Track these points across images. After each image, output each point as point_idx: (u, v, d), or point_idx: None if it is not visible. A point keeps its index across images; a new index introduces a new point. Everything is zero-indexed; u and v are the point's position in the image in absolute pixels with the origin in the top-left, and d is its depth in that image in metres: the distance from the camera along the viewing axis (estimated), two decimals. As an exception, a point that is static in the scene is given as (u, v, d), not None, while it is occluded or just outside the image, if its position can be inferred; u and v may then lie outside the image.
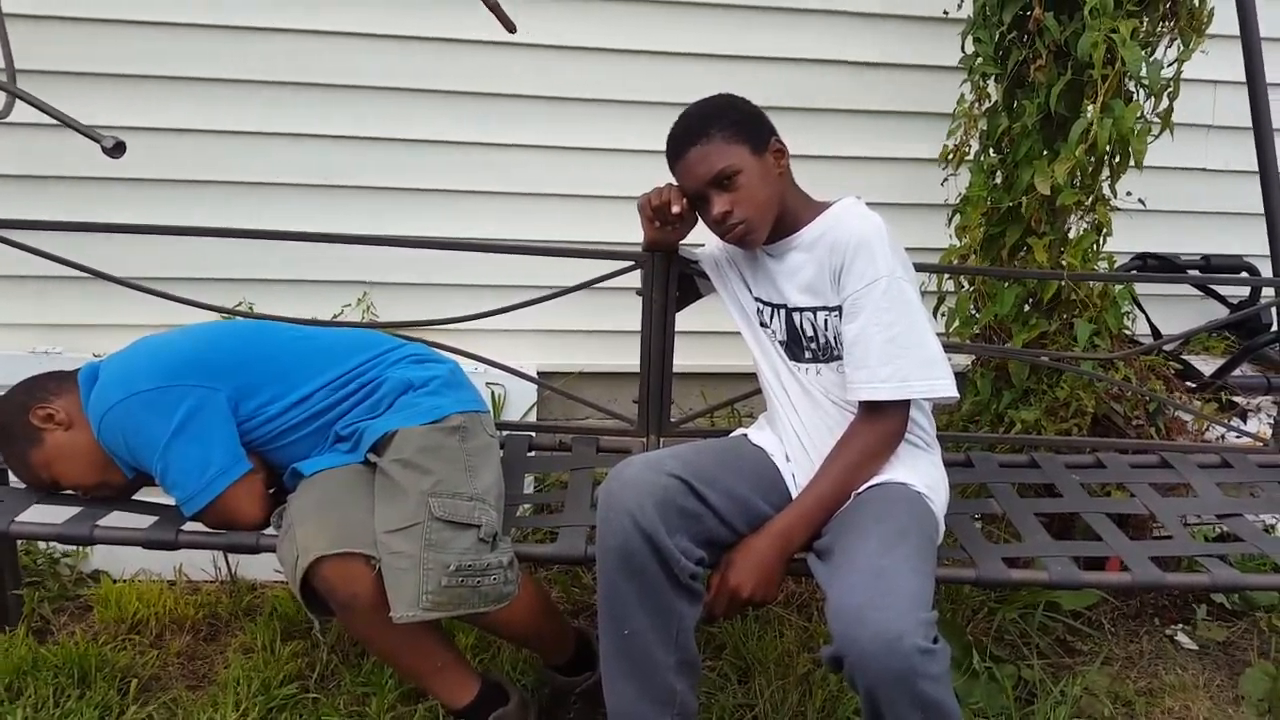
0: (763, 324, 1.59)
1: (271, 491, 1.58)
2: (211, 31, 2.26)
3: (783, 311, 1.54)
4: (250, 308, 2.20)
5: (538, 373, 2.32)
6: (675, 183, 1.53)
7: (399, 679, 1.74)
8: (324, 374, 1.58)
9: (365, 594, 1.39)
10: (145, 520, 1.55)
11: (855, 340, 1.43)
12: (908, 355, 1.41)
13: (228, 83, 2.30)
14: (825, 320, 1.48)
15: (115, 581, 2.04)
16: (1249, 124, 2.04)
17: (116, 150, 1.54)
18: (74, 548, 2.09)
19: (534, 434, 1.96)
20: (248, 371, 1.53)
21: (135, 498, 1.62)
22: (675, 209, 1.52)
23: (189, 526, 1.52)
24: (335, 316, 2.34)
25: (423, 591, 1.36)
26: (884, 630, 1.17)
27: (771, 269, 1.55)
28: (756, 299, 1.59)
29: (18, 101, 1.62)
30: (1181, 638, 2.08)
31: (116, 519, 1.54)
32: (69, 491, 1.59)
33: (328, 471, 1.52)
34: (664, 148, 1.51)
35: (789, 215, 1.50)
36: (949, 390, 1.44)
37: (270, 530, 1.51)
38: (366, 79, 2.34)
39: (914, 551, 1.31)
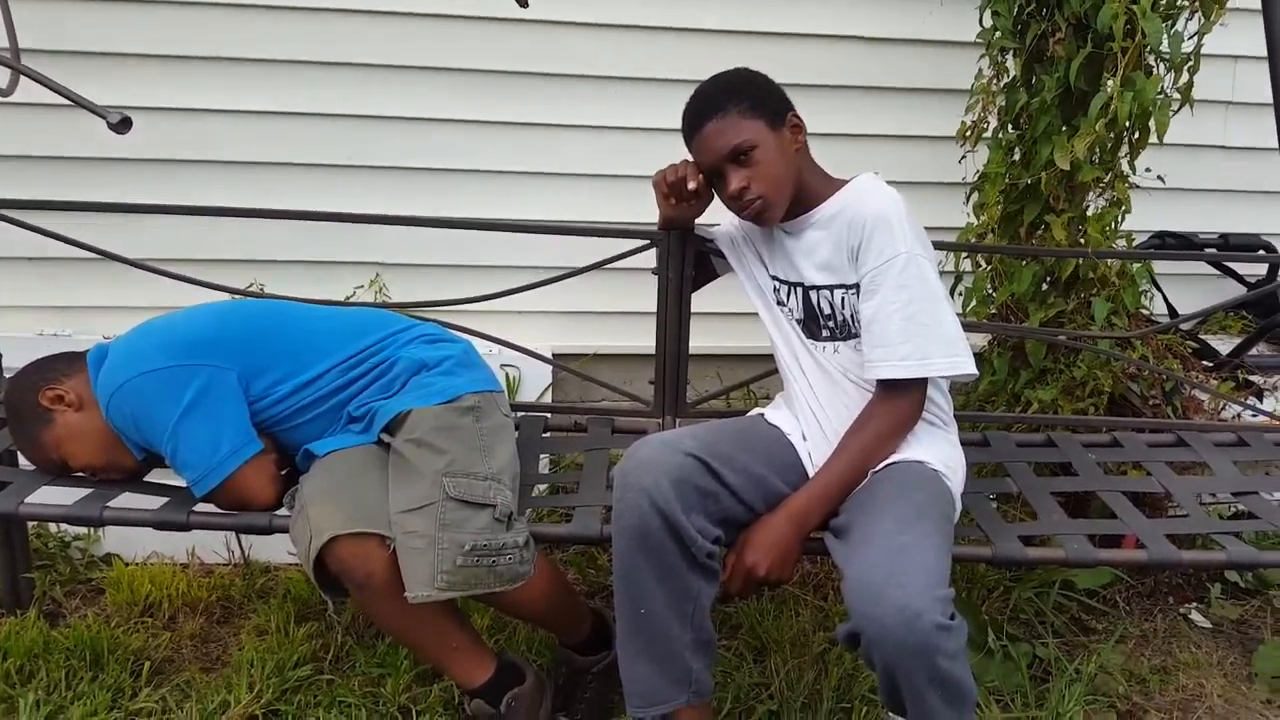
0: (779, 302, 1.57)
1: (284, 473, 1.57)
2: (222, 10, 2.24)
3: (800, 289, 1.52)
4: (261, 289, 2.18)
5: (553, 354, 2.30)
6: (691, 159, 1.51)
7: (414, 659, 1.75)
8: (336, 354, 1.56)
9: (380, 574, 1.38)
10: (156, 501, 1.54)
11: (873, 318, 1.41)
12: (927, 333, 1.39)
13: (238, 62, 2.28)
14: (843, 298, 1.47)
15: (127, 564, 2.04)
16: (1269, 100, 2.00)
17: (122, 126, 1.52)
18: (85, 531, 2.09)
19: (549, 415, 1.94)
20: (258, 350, 1.52)
21: (146, 479, 1.61)
22: (691, 185, 1.50)
23: (200, 508, 1.50)
24: (348, 298, 2.33)
25: (438, 571, 1.36)
26: (902, 607, 1.16)
27: (788, 247, 1.53)
28: (773, 277, 1.57)
29: (23, 80, 1.60)
30: (1195, 616, 2.08)
31: (127, 500, 1.52)
32: (79, 474, 1.58)
33: (341, 452, 1.51)
34: (679, 125, 1.49)
35: (806, 192, 1.48)
36: (968, 368, 1.42)
37: (283, 511, 1.50)
38: (379, 58, 2.31)
39: (931, 529, 1.31)
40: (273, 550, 2.05)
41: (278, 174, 2.35)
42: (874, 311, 1.41)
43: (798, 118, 1.48)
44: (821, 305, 1.50)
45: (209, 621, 1.95)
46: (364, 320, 1.65)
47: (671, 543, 1.33)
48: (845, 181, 1.50)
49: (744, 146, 1.41)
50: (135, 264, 1.84)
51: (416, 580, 1.36)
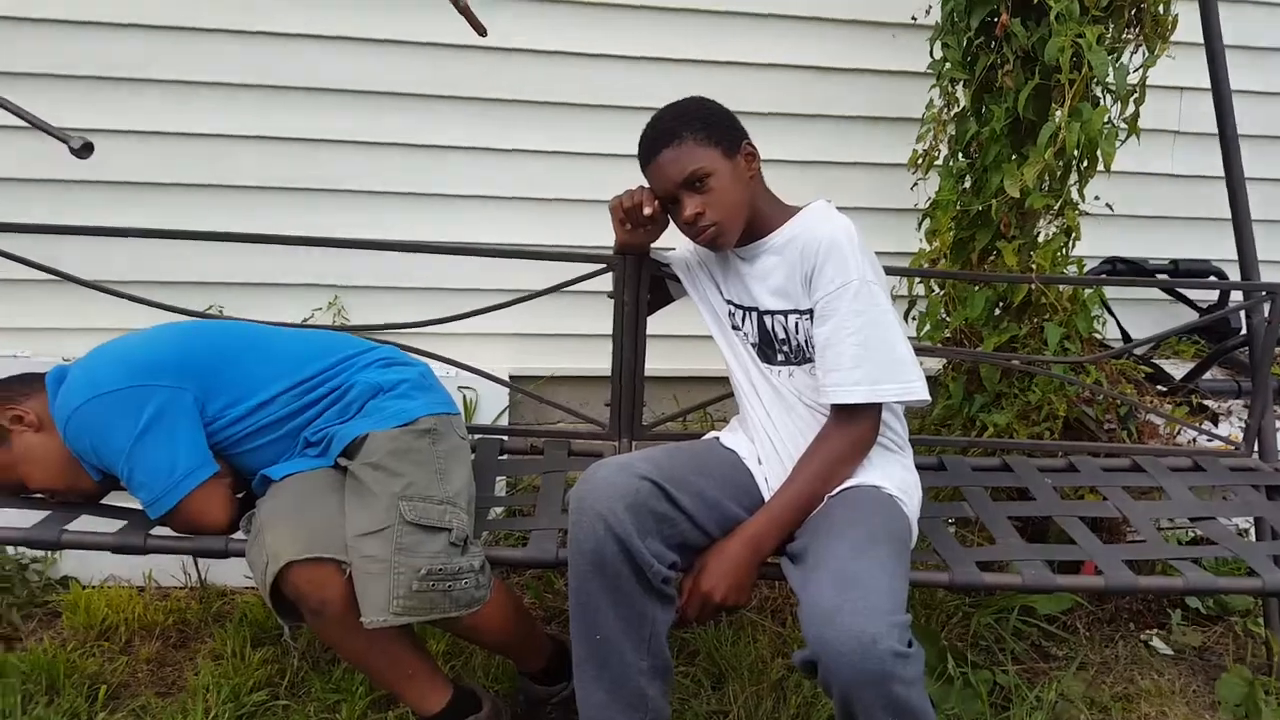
0: (735, 327, 1.59)
1: (240, 497, 1.57)
2: (184, 34, 2.26)
3: (754, 314, 1.54)
4: (220, 311, 2.18)
5: (510, 376, 2.31)
6: (646, 185, 1.53)
7: (370, 685, 1.73)
8: (291, 377, 1.56)
9: (335, 599, 1.37)
10: (114, 525, 1.53)
11: (827, 343, 1.43)
12: (879, 358, 1.41)
13: (200, 85, 2.29)
14: (796, 323, 1.49)
15: (85, 588, 2.02)
16: (1215, 130, 2.06)
17: (84, 151, 1.52)
18: (43, 554, 2.07)
19: (506, 437, 1.95)
20: (214, 372, 1.52)
21: (104, 502, 1.60)
22: (646, 210, 1.52)
23: (158, 531, 1.50)
24: (306, 320, 2.33)
25: (393, 596, 1.35)
26: (858, 633, 1.16)
27: (743, 272, 1.55)
28: (729, 301, 1.59)
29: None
30: (1157, 643, 2.08)
31: (85, 523, 1.52)
32: (37, 495, 1.57)
33: (297, 475, 1.51)
34: (634, 151, 1.51)
35: (760, 218, 1.51)
36: (921, 393, 1.44)
37: (240, 535, 1.49)
38: (339, 83, 2.34)
39: (887, 554, 1.31)
40: (229, 574, 2.04)
41: (239, 196, 2.35)
42: (827, 337, 1.43)
43: (752, 146, 1.51)
44: (776, 330, 1.52)
45: (165, 645, 1.93)
46: (320, 343, 1.64)
47: (627, 567, 1.33)
48: (799, 209, 1.53)
49: (699, 174, 1.44)
50: (94, 285, 1.84)
51: (372, 605, 1.35)
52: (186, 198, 2.34)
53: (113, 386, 1.44)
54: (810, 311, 1.46)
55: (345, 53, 2.32)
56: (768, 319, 1.52)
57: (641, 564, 1.33)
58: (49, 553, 2.06)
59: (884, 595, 1.22)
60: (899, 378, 1.43)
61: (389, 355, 1.68)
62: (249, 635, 1.89)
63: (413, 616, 1.37)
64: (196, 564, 2.08)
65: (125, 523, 1.54)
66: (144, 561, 2.02)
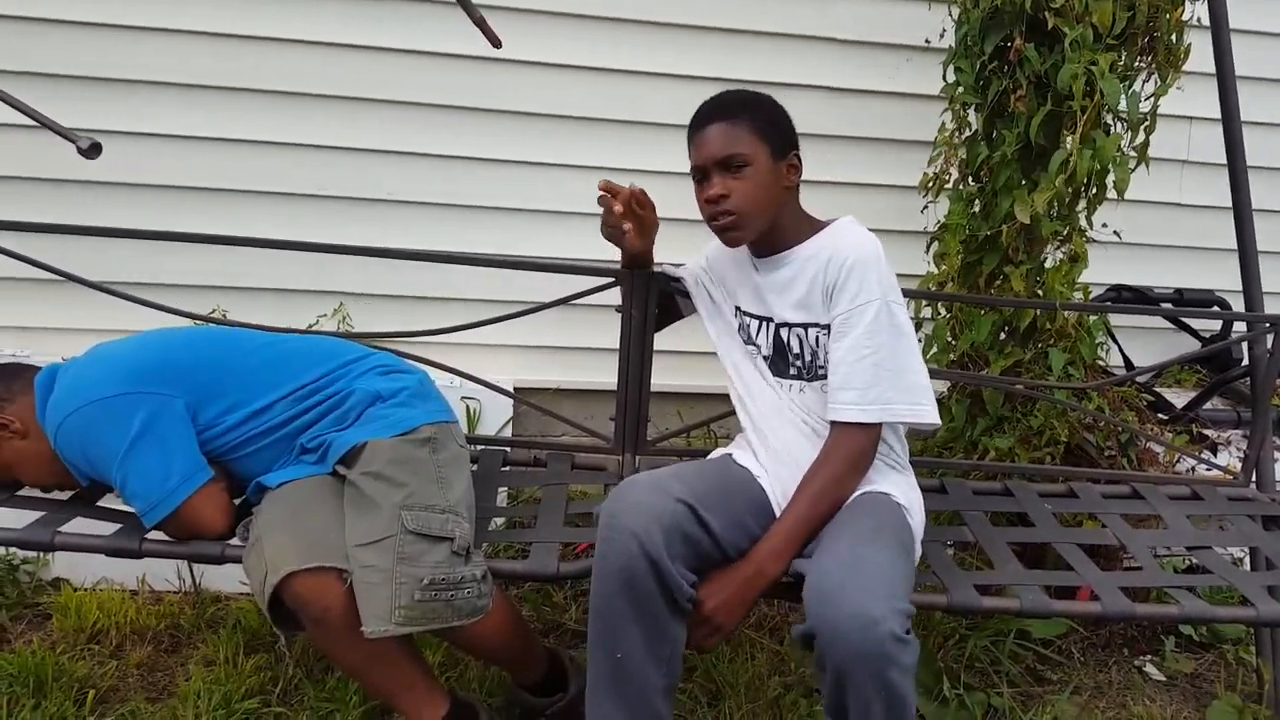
0: (748, 340, 1.58)
1: (236, 503, 1.55)
2: (197, 38, 2.25)
3: (770, 325, 1.54)
4: (224, 315, 2.17)
5: (514, 388, 2.30)
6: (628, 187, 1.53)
7: (364, 695, 1.72)
8: (288, 383, 1.54)
9: (337, 608, 1.36)
10: (109, 528, 1.51)
11: (842, 360, 1.43)
12: (894, 379, 1.42)
13: (211, 89, 2.29)
14: (817, 337, 1.48)
15: (76, 590, 2.00)
16: (1223, 160, 2.07)
17: (92, 151, 1.51)
18: (34, 555, 2.05)
19: (509, 449, 1.94)
20: (206, 378, 1.50)
21: (100, 504, 1.58)
22: (617, 208, 1.53)
23: (153, 535, 1.48)
24: (310, 327, 2.32)
25: (395, 605, 1.34)
26: (860, 612, 1.17)
27: (763, 283, 1.54)
28: (746, 313, 1.58)
29: (-6, 101, 1.59)
30: (1150, 669, 2.09)
31: (79, 525, 1.50)
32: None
33: (295, 483, 1.49)
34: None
35: (788, 230, 1.50)
36: (931, 417, 1.45)
37: (235, 541, 1.48)
38: (350, 89, 2.33)
39: (890, 543, 1.32)
40: (224, 579, 2.03)
41: (244, 201, 2.35)
42: (843, 354, 1.43)
43: (799, 158, 1.50)
44: (791, 343, 1.51)
45: (157, 650, 1.91)
46: (318, 349, 1.63)
47: (657, 588, 1.31)
48: (826, 224, 1.52)
49: (739, 159, 1.43)
50: (97, 286, 1.82)
51: (373, 615, 1.34)
52: (194, 201, 2.33)
53: (102, 394, 1.42)
54: (829, 326, 1.46)
55: (358, 61, 2.32)
56: (784, 331, 1.52)
57: (671, 586, 1.32)
58: (41, 554, 2.04)
59: (887, 580, 1.23)
60: (911, 400, 1.43)
61: (387, 362, 1.67)
62: (242, 641, 1.87)
63: (415, 626, 1.36)
64: (191, 569, 2.06)
65: (120, 526, 1.52)
66: (138, 565, 1.98)
